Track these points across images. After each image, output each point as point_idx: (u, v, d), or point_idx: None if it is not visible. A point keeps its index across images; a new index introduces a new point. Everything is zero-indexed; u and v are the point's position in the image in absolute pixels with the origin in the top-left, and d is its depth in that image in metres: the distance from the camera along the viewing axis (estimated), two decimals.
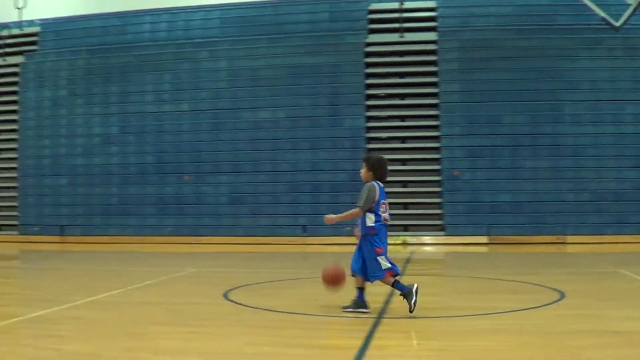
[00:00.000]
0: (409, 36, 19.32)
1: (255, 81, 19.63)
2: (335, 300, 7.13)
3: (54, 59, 21.44)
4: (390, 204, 18.16)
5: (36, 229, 20.54)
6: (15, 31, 22.32)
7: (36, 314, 7.48)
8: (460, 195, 18.26)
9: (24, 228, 20.73)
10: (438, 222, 18.29)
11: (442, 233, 18.18)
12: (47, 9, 22.32)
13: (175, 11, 21.40)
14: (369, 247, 6.62)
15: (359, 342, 5.58)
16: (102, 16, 21.75)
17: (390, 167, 18.10)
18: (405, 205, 18.48)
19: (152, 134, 20.12)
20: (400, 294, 6.55)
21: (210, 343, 5.89)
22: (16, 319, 7.21)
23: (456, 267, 13.73)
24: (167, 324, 6.91)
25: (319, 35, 19.99)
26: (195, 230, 19.09)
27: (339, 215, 6.67)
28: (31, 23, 22.44)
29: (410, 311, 6.43)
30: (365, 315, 6.58)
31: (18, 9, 21.82)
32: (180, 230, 19.29)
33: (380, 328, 6.23)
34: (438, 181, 18.42)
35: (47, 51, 21.89)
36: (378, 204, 6.67)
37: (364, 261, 6.65)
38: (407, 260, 14.15)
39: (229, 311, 7.62)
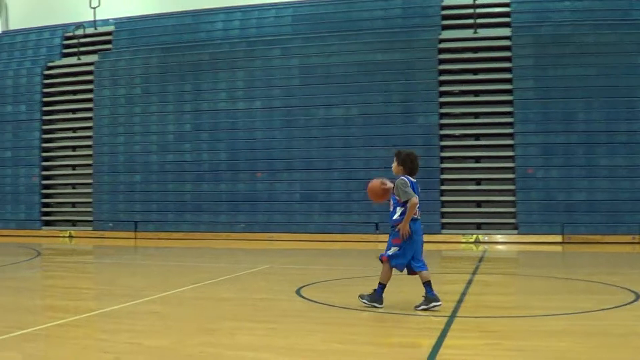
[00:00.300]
0: (483, 32, 21.21)
1: (328, 78, 21.80)
2: (407, 298, 7.94)
3: (128, 58, 24.30)
4: (463, 201, 20.41)
5: (110, 225, 23.31)
6: (90, 30, 25.32)
7: (112, 308, 8.36)
8: (534, 193, 19.97)
9: (98, 224, 23.54)
10: (511, 221, 20.07)
11: (515, 231, 19.89)
12: (121, 8, 25.30)
13: (247, 9, 24.04)
14: (392, 238, 7.70)
15: (432, 341, 6.14)
16: (176, 15, 24.58)
17: (463, 165, 20.61)
18: (479, 203, 20.45)
19: (225, 131, 22.60)
20: (376, 289, 7.73)
21: (284, 340, 6.50)
22: (93, 313, 8.14)
23: (530, 266, 14.72)
24: (241, 320, 7.65)
25: (391, 32, 22.07)
26: (267, 227, 21.52)
27: (405, 219, 7.54)
28: (105, 22, 25.50)
29: (360, 297, 7.83)
30: (439, 314, 7.31)
31: (92, 8, 24.76)
32: (252, 227, 21.69)
33: (454, 327, 6.84)
34: (512, 179, 20.20)
35: (121, 50, 24.81)
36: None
37: (412, 256, 7.60)
38: (480, 259, 15.45)
39: (301, 308, 8.40)
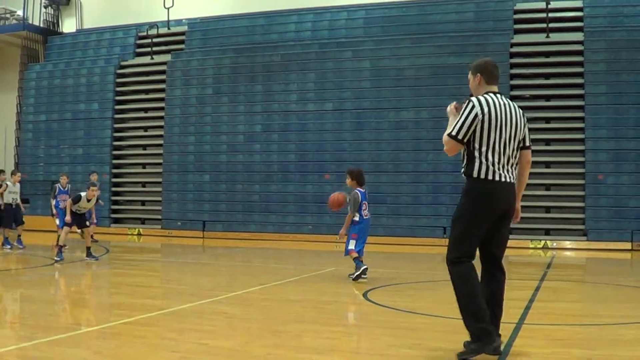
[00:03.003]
0: (555, 36, 22.84)
1: (399, 81, 23.68)
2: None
3: (200, 58, 26.91)
4: (532, 207, 22.07)
5: (178, 223, 25.75)
6: (163, 30, 28.06)
7: (179, 307, 8.98)
8: (604, 199, 21.48)
9: (167, 223, 26.03)
10: (580, 227, 21.57)
11: (584, 238, 21.30)
12: (194, 9, 28.02)
13: (319, 11, 26.42)
14: (350, 232, 11.96)
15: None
16: (248, 16, 27.16)
17: (533, 170, 22.37)
18: (548, 209, 22.06)
19: (295, 132, 24.81)
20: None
21: (350, 343, 6.94)
22: (161, 312, 8.70)
23: (598, 273, 15.45)
24: (308, 322, 8.13)
25: (464, 36, 23.90)
26: (334, 229, 22.82)
27: (343, 227, 12.15)
28: (179, 22, 28.27)
29: (351, 276, 11.70)
30: (506, 320, 7.15)
31: (166, 8, 27.42)
32: (319, 229, 23.45)
33: (521, 334, 7.13)
34: (582, 185, 21.71)
35: (194, 50, 27.48)
36: (361, 206, 11.96)
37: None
38: (548, 265, 16.33)
39: (369, 311, 8.91)
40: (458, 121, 6.12)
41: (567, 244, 21.41)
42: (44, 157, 28.66)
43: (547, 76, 22.76)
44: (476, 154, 6.07)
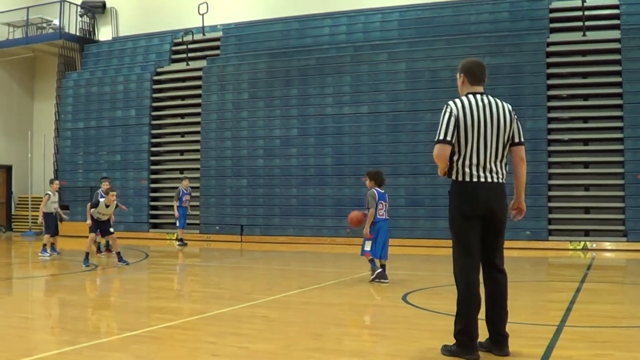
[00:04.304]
0: (592, 35, 22.79)
1: (434, 83, 23.78)
2: (512, 307, 7.54)
3: (235, 63, 27.31)
4: (571, 208, 21.80)
5: (217, 228, 26.14)
6: (198, 36, 28.50)
7: (219, 311, 9.13)
8: None
9: (205, 227, 26.45)
10: (620, 228, 21.52)
11: (624, 239, 21.24)
12: (228, 15, 28.47)
13: (353, 14, 26.64)
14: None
15: (540, 351, 6.47)
16: (283, 20, 27.53)
17: (572, 170, 22.27)
18: (587, 210, 22.07)
19: (331, 136, 25.08)
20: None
21: (390, 346, 6.97)
22: (201, 316, 8.96)
23: (639, 275, 15.67)
24: (347, 326, 8.41)
25: (499, 36, 23.98)
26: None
27: (366, 226, 12.14)
28: (213, 28, 28.67)
29: (375, 281, 12.05)
30: (547, 323, 7.93)
31: (201, 15, 27.78)
32: (357, 232, 23.40)
33: (563, 336, 7.20)
34: (621, 185, 21.67)
35: (229, 55, 27.90)
36: (377, 205, 12.12)
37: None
38: (588, 267, 16.30)
39: (408, 314, 8.99)
40: (440, 127, 6.30)
41: (607, 245, 21.34)
42: (82, 164, 29.22)
43: (584, 75, 22.74)
44: (455, 156, 6.29)
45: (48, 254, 18.38)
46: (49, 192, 18.91)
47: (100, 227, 16.32)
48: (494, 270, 6.40)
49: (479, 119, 6.22)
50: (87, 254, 15.68)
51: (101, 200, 16.16)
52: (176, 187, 27.05)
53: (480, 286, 6.37)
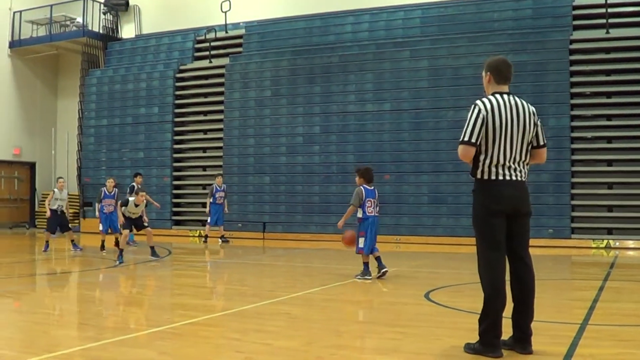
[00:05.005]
0: (615, 32, 22.72)
1: (456, 80, 23.83)
2: (535, 305, 7.24)
3: (258, 60, 27.48)
4: (594, 206, 21.85)
5: (239, 225, 26.31)
6: (221, 34, 28.71)
7: (242, 307, 9.22)
8: None
9: (227, 224, 26.19)
10: None
11: None
12: (251, 12, 28.67)
13: (376, 11, 26.79)
14: (358, 230, 12.30)
15: (563, 349, 6.44)
16: (305, 18, 27.71)
17: (595, 168, 22.15)
18: (610, 208, 22.03)
19: (354, 133, 25.19)
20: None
21: (413, 344, 6.96)
22: (224, 312, 9.04)
23: None
24: (370, 323, 8.48)
25: (522, 33, 23.97)
26: (394, 230, 23.44)
27: (342, 219, 12.64)
28: (236, 26, 28.94)
29: (377, 276, 12.22)
30: (571, 321, 7.93)
31: (223, 12, 27.98)
32: (379, 230, 23.74)
33: (586, 335, 7.18)
34: None
35: (252, 52, 28.09)
36: (365, 202, 12.29)
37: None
38: (611, 265, 16.17)
39: (431, 312, 9.02)
40: (467, 126, 6.30)
41: (630, 243, 21.28)
42: (105, 161, 29.59)
43: (607, 73, 22.71)
44: (481, 156, 6.32)
45: (45, 249, 18.85)
46: (55, 189, 19.14)
47: (134, 222, 16.78)
48: (522, 266, 6.40)
49: (506, 120, 6.26)
50: (121, 251, 15.95)
51: (130, 199, 16.52)
52: (198, 184, 27.55)
53: (506, 284, 6.38)
